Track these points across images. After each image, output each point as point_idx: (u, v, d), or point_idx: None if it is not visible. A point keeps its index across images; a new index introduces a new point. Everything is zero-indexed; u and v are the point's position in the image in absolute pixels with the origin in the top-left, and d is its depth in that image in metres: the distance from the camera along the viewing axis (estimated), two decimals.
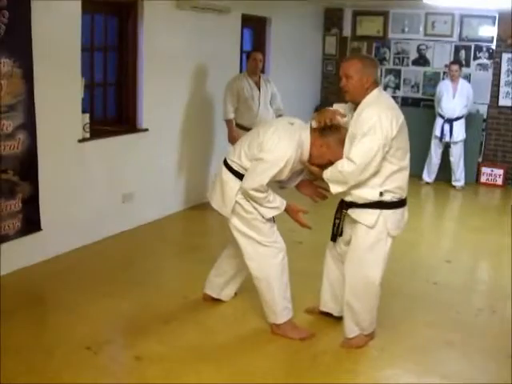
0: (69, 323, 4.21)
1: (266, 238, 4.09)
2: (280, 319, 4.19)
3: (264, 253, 4.11)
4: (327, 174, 3.84)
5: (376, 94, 3.84)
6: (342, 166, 3.75)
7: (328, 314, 4.45)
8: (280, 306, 4.17)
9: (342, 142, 3.88)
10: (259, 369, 3.81)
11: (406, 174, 3.88)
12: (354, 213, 3.90)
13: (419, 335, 4.33)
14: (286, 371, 3.85)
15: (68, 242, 5.50)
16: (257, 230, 4.08)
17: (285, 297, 4.18)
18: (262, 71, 7.39)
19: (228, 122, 7.02)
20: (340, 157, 3.86)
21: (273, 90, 7.25)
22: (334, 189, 3.83)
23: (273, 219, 4.15)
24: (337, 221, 4.09)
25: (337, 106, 4.11)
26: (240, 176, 4.03)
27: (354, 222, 3.92)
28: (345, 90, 3.88)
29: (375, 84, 3.86)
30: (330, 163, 3.92)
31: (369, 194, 3.79)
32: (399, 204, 3.89)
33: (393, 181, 3.81)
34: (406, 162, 3.86)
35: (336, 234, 4.12)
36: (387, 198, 3.81)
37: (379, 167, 3.74)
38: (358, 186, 3.78)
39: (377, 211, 3.81)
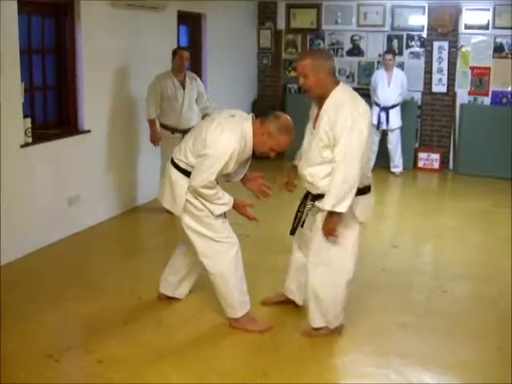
0: (27, 332, 4.16)
1: (218, 234, 4.13)
2: (238, 313, 4.25)
3: (217, 249, 4.15)
4: (330, 203, 3.77)
5: (341, 90, 3.90)
6: (337, 176, 3.75)
7: (289, 302, 4.53)
8: (237, 300, 4.22)
9: (281, 130, 3.97)
10: (221, 363, 3.87)
11: (368, 160, 3.97)
12: (320, 202, 3.90)
13: (374, 320, 4.45)
14: (248, 364, 3.90)
15: (17, 250, 5.41)
16: (209, 227, 4.11)
17: (241, 290, 4.23)
18: (197, 70, 7.29)
19: (150, 121, 6.77)
20: (282, 143, 3.97)
21: (199, 88, 7.05)
22: (344, 206, 3.76)
23: (224, 214, 4.19)
24: (299, 214, 4.15)
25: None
26: (188, 174, 4.06)
27: (320, 212, 3.95)
28: (304, 88, 3.94)
29: (332, 76, 3.94)
30: (273, 151, 4.05)
31: None
32: (365, 190, 3.97)
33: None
34: (368, 147, 3.91)
35: (296, 227, 4.18)
36: None
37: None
38: (325, 177, 3.85)
39: None
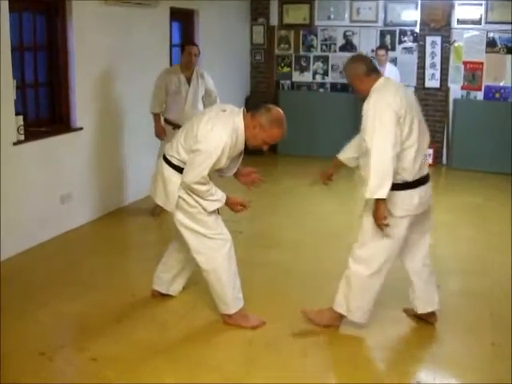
0: (19, 330, 4.14)
1: (211, 230, 4.13)
2: (231, 309, 4.25)
3: (210, 245, 4.14)
4: (372, 190, 3.79)
5: (378, 83, 3.96)
6: (372, 162, 3.76)
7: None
8: (230, 296, 4.22)
9: (273, 122, 3.97)
10: (215, 360, 3.87)
11: (411, 154, 3.87)
12: (364, 191, 3.92)
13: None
14: (241, 360, 3.91)
15: (9, 248, 5.39)
16: (202, 224, 4.11)
17: (234, 287, 4.24)
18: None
19: (154, 115, 6.76)
20: (274, 135, 3.97)
21: (207, 85, 6.91)
22: (384, 192, 3.77)
23: (217, 211, 4.19)
24: None
25: None
26: (181, 170, 4.06)
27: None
28: (355, 92, 4.10)
29: (370, 74, 3.98)
30: (265, 144, 4.05)
31: None
32: (402, 186, 3.91)
33: (397, 162, 3.82)
34: (411, 141, 3.87)
35: None
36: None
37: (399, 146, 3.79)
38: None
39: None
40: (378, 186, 3.77)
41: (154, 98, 6.72)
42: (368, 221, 4.00)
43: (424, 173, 4.02)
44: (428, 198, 4.09)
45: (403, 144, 3.83)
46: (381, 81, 3.99)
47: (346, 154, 4.42)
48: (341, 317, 4.21)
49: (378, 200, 3.82)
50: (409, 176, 3.90)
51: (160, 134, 6.73)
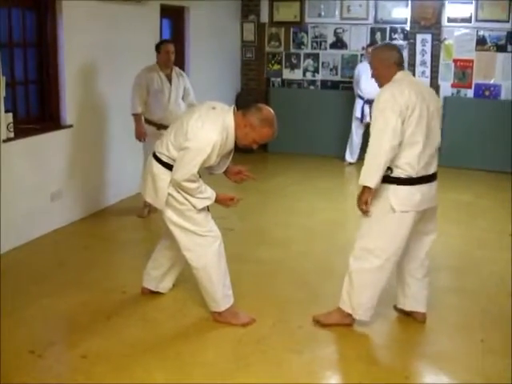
0: (8, 328, 4.11)
1: (200, 227, 4.12)
2: (221, 307, 4.25)
3: (200, 242, 4.14)
4: (363, 177, 3.90)
5: (398, 76, 4.00)
6: (369, 154, 3.87)
7: None
8: (220, 293, 4.22)
9: (264, 122, 3.97)
10: (205, 358, 3.87)
11: (417, 149, 3.89)
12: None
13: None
14: (231, 358, 3.90)
15: None
16: (191, 221, 4.10)
17: (224, 284, 4.23)
18: (180, 63, 7.11)
19: (135, 116, 6.49)
20: (264, 135, 3.99)
21: (186, 84, 6.74)
22: (375, 180, 3.84)
23: (207, 208, 4.18)
24: None
25: None
26: (170, 167, 4.05)
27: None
28: (375, 78, 4.12)
29: (396, 66, 4.03)
30: (255, 143, 4.06)
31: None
32: (406, 181, 3.92)
33: (401, 157, 3.87)
34: (418, 137, 3.89)
35: None
36: (395, 173, 3.90)
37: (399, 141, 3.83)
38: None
39: (382, 185, 3.91)
40: (368, 174, 3.85)
41: (134, 97, 6.46)
42: (367, 219, 4.04)
43: (430, 171, 4.03)
44: (431, 197, 4.09)
45: (409, 139, 3.85)
46: (400, 74, 4.03)
47: None
48: (350, 315, 4.21)
49: (365, 187, 3.89)
50: (412, 172, 3.91)
51: (141, 135, 6.50)
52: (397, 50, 4.14)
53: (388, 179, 3.91)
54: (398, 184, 3.91)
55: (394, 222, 3.97)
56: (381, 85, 4.06)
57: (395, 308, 4.51)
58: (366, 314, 4.17)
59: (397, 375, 3.71)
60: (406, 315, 4.42)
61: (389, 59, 4.03)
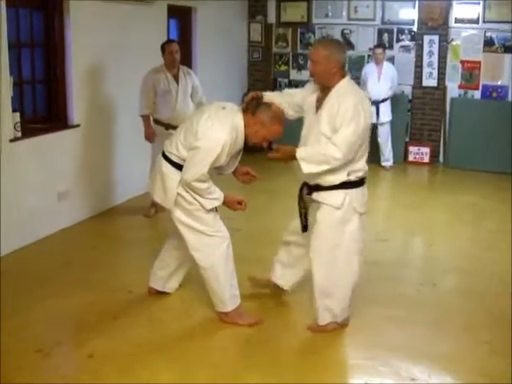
0: (15, 328, 4.12)
1: (209, 227, 4.12)
2: (228, 307, 4.24)
3: (208, 243, 4.14)
4: (301, 153, 3.90)
5: (347, 82, 3.99)
6: (327, 149, 3.83)
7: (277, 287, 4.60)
8: (227, 294, 4.21)
9: (274, 118, 4.01)
10: (211, 358, 3.87)
11: (365, 154, 4.01)
12: (319, 196, 4.01)
13: (364, 313, 4.44)
14: (237, 358, 3.91)
15: (5, 245, 5.37)
16: (200, 221, 4.10)
17: (231, 284, 4.23)
18: (187, 63, 7.09)
19: (144, 117, 6.55)
20: (275, 132, 4.01)
21: (194, 82, 6.75)
22: (309, 168, 3.88)
23: (215, 208, 4.18)
24: (303, 211, 4.18)
25: (309, 85, 4.23)
26: (180, 167, 4.05)
27: (318, 205, 4.03)
28: (312, 74, 4.04)
29: (343, 69, 4.00)
30: (266, 140, 4.07)
31: (338, 175, 3.91)
32: (362, 182, 4.03)
33: (359, 162, 3.95)
34: (367, 142, 4.01)
35: (306, 225, 4.19)
36: (352, 177, 3.95)
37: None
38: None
39: (343, 191, 3.94)
40: (313, 162, 3.86)
41: (142, 99, 6.51)
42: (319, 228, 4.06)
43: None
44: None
45: (363, 145, 3.92)
46: (348, 80, 4.02)
47: None
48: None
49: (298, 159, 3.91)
50: (364, 174, 4.02)
51: (150, 136, 6.54)
52: (344, 50, 4.17)
53: (346, 184, 3.96)
54: (355, 187, 3.99)
55: (355, 225, 4.09)
56: (319, 83, 4.05)
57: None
58: (346, 312, 4.23)
59: (402, 377, 3.70)
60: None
61: (339, 60, 3.96)
